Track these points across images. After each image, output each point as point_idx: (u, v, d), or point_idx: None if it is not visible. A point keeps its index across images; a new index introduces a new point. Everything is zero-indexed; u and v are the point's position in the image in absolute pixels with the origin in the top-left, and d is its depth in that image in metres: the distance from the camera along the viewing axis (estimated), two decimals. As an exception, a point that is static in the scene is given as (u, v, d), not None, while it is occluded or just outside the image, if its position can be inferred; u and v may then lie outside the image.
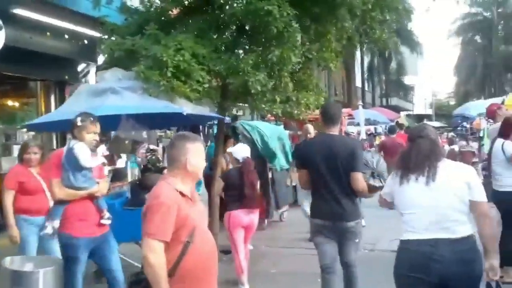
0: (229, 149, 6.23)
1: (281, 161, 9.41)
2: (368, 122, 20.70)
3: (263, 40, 6.15)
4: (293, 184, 11.46)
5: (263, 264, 6.89)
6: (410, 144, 3.28)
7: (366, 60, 45.39)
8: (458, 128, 18.53)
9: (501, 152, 5.34)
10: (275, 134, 9.46)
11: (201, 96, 5.85)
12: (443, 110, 59.40)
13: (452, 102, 66.01)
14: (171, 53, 5.29)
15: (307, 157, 4.30)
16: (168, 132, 12.28)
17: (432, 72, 72.67)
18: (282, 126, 11.27)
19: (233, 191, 5.60)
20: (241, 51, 6.31)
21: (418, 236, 3.06)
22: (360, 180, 4.12)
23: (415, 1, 20.83)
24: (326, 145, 4.21)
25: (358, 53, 38.77)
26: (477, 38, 52.39)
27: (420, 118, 39.15)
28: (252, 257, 6.24)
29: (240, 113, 9.60)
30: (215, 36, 6.10)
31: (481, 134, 13.74)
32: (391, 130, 12.32)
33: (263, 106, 6.12)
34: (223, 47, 6.07)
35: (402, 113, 41.32)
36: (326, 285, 4.29)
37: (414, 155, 3.15)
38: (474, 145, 15.24)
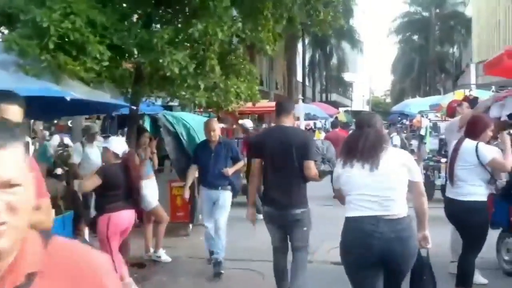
0: (104, 143, 5.02)
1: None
2: (308, 117, 20.01)
3: (186, 13, 4.96)
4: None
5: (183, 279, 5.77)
6: (358, 132, 3.46)
7: (308, 55, 45.38)
8: (398, 125, 18.18)
9: (472, 155, 4.48)
10: (204, 128, 8.29)
11: (101, 78, 4.59)
12: (380, 107, 60.67)
13: (388, 100, 67.60)
14: (56, 17, 3.99)
15: (262, 147, 4.46)
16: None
17: (371, 69, 73.99)
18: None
19: (115, 190, 4.64)
20: (158, 26, 5.06)
21: (361, 213, 3.28)
22: (312, 168, 4.30)
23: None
24: (279, 135, 4.38)
25: (300, 47, 38.62)
26: (415, 37, 53.47)
27: (357, 114, 39.30)
28: (170, 269, 5.95)
29: (175, 102, 8.36)
30: (124, 5, 4.82)
31: (422, 132, 13.30)
32: (333, 125, 13.21)
33: (183, 93, 4.94)
34: (134, 19, 4.82)
35: (341, 109, 41.44)
36: (276, 263, 4.53)
37: (361, 144, 3.31)
38: (414, 143, 14.90)
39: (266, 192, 4.48)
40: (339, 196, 3.58)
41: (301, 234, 4.39)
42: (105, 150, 4.74)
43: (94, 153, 7.87)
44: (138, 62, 4.71)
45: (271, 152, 4.35)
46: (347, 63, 50.74)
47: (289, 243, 4.47)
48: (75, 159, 7.73)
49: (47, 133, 11.45)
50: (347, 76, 57.46)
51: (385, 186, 3.26)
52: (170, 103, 6.46)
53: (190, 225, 7.85)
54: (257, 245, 6.37)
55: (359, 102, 66.67)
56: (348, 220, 3.37)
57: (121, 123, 11.47)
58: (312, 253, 6.77)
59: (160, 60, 4.57)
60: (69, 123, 15.19)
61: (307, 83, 43.93)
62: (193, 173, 6.13)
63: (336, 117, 21.85)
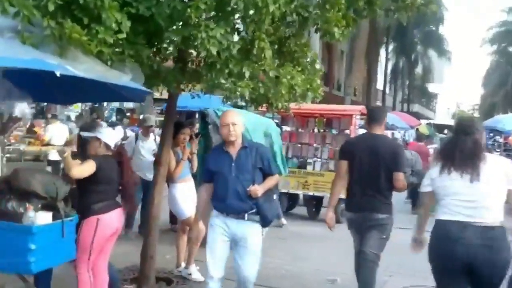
0: (93, 133, 4.00)
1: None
2: (386, 126, 18.37)
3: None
4: (284, 190, 9.40)
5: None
6: (454, 139, 3.51)
7: (391, 62, 43.24)
8: (489, 143, 16.28)
9: None
10: (260, 128, 7.26)
11: (124, 55, 3.71)
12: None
13: (476, 115, 63.31)
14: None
15: (351, 152, 4.52)
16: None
17: (458, 81, 69.75)
18: (272, 120, 9.04)
19: (107, 185, 3.88)
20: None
21: (450, 217, 3.35)
22: (401, 180, 4.33)
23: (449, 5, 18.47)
24: (370, 144, 4.45)
25: (383, 53, 36.77)
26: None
27: (440, 128, 36.83)
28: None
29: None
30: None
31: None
32: (418, 137, 12.89)
33: (223, 81, 3.95)
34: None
35: (423, 121, 39.00)
36: (358, 267, 4.50)
37: (458, 153, 3.38)
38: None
39: (351, 197, 4.53)
40: (425, 203, 3.65)
41: (377, 241, 4.40)
42: (94, 140, 3.89)
43: (147, 148, 7.13)
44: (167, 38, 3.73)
45: (360, 159, 4.41)
46: (433, 73, 47.80)
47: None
48: (128, 149, 7.02)
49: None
50: (431, 87, 54.41)
51: (482, 194, 3.29)
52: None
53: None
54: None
55: (443, 115, 63.09)
56: (437, 223, 3.45)
57: (188, 118, 10.77)
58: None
59: (194, 35, 3.60)
60: (141, 117, 14.74)
61: (387, 91, 41.81)
62: (205, 198, 4.18)
63: (417, 129, 20.29)
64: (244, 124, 6.69)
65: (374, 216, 4.37)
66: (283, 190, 9.53)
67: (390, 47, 40.97)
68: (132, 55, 3.78)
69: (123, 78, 3.62)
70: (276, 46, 4.52)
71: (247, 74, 3.96)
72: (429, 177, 3.55)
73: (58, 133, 9.33)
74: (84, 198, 3.78)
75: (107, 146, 3.92)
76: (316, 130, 10.14)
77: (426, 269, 3.74)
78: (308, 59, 4.60)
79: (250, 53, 4.05)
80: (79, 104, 24.07)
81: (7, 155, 8.32)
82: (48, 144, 9.19)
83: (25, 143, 9.45)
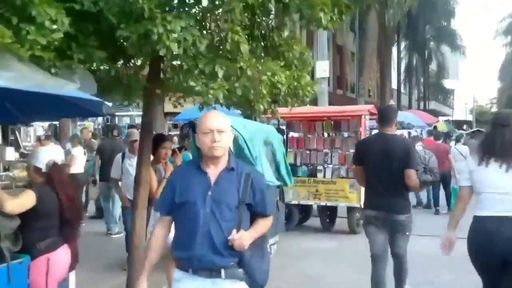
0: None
1: (266, 175, 6.55)
2: (401, 125, 17.58)
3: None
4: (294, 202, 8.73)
5: None
6: (493, 131, 3.58)
7: (404, 61, 42.35)
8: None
9: None
10: (259, 136, 6.62)
11: (71, 61, 3.13)
12: (485, 117, 55.69)
13: (495, 109, 61.70)
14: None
15: (365, 154, 4.56)
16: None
17: (474, 76, 68.26)
18: (273, 127, 8.39)
19: (50, 220, 3.26)
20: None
21: (488, 213, 3.43)
22: (413, 177, 4.34)
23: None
24: (381, 143, 4.48)
25: (395, 52, 35.91)
26: (527, 38, 48.01)
27: (459, 124, 35.77)
28: None
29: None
30: None
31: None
32: (437, 136, 12.28)
33: (192, 84, 3.33)
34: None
35: (441, 118, 37.95)
36: (374, 272, 4.53)
37: (498, 143, 3.47)
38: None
39: (369, 197, 4.59)
40: (463, 197, 3.66)
41: (402, 240, 4.50)
42: (28, 166, 3.32)
43: (135, 166, 6.52)
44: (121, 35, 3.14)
45: (373, 159, 4.46)
46: (448, 69, 46.71)
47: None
48: (113, 173, 6.44)
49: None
50: (447, 83, 53.15)
51: None
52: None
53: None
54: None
55: (461, 111, 61.66)
56: (476, 219, 3.52)
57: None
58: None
59: (152, 32, 3.00)
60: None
61: (402, 90, 40.86)
62: (161, 241, 2.75)
63: (435, 127, 19.42)
64: (234, 133, 6.11)
65: (394, 217, 4.42)
66: (294, 202, 8.87)
67: (402, 45, 40.09)
68: (82, 60, 3.19)
69: (68, 86, 3.02)
70: (262, 43, 3.92)
71: (220, 74, 3.33)
72: (467, 171, 3.61)
73: (52, 155, 8.77)
74: (29, 237, 3.17)
75: (37, 170, 3.33)
76: (325, 134, 9.48)
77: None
78: (296, 53, 3.93)
79: (224, 49, 3.41)
80: (91, 123, 23.85)
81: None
82: (39, 169, 8.67)
83: (18, 168, 8.94)
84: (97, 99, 3.18)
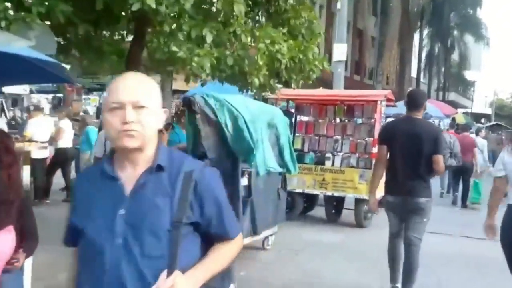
0: None
1: (267, 160, 6.01)
2: (419, 115, 16.84)
3: None
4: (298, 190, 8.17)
5: None
6: None
7: (426, 49, 41.16)
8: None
9: None
10: (262, 118, 6.05)
11: (31, 15, 2.58)
12: (505, 111, 54.28)
13: (516, 103, 60.18)
14: None
15: (390, 136, 4.60)
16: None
17: (497, 68, 66.61)
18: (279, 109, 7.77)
19: None
20: None
21: None
22: (441, 162, 4.40)
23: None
24: (409, 127, 4.49)
25: (416, 39, 34.79)
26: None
27: (477, 117, 34.83)
28: None
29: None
30: None
31: None
32: (464, 128, 12.03)
33: (174, 49, 2.76)
34: None
35: (460, 110, 36.91)
36: (393, 248, 4.63)
37: None
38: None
39: (391, 179, 4.56)
40: (497, 188, 3.82)
41: (419, 225, 4.49)
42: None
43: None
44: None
45: (400, 142, 4.47)
46: (470, 59, 45.34)
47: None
48: (96, 151, 5.97)
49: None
50: (468, 74, 51.73)
51: None
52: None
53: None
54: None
55: (480, 103, 60.18)
56: (509, 207, 3.69)
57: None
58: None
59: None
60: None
61: (422, 79, 39.78)
62: None
63: (453, 118, 18.79)
64: (235, 113, 5.53)
65: (415, 200, 4.41)
66: (298, 190, 8.31)
67: (425, 32, 38.89)
68: (42, 14, 2.63)
69: (18, 43, 2.45)
70: (264, 7, 3.33)
71: (209, 39, 2.78)
72: (502, 161, 3.72)
73: (41, 127, 8.33)
74: None
75: None
76: (336, 119, 8.87)
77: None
78: (303, 21, 3.33)
79: (215, 10, 2.83)
80: (97, 98, 23.41)
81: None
82: (30, 141, 8.20)
83: None
84: (53, 60, 2.61)
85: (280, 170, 6.37)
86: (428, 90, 41.20)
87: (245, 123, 5.49)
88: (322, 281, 5.42)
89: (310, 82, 3.53)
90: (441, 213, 9.61)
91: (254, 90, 3.72)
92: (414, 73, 35.37)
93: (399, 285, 4.65)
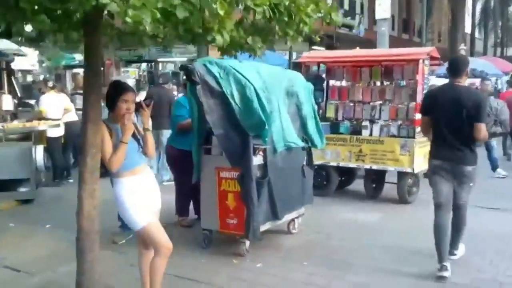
0: None
1: (286, 135, 5.18)
2: (473, 73, 15.31)
3: None
4: (333, 163, 7.30)
5: None
6: None
7: (480, 2, 38.32)
8: None
9: None
10: (279, 85, 5.20)
11: None
12: None
13: None
14: None
15: (435, 104, 4.52)
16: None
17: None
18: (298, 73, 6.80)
19: None
20: None
21: None
22: (482, 130, 4.34)
23: None
24: (452, 94, 4.44)
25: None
26: None
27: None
28: None
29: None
30: None
31: None
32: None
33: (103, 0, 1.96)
34: None
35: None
36: (438, 218, 4.52)
37: None
38: None
39: (436, 147, 4.57)
40: None
41: (466, 191, 4.53)
42: None
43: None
44: None
45: (442, 110, 4.43)
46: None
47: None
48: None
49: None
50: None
51: None
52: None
53: (246, 243, 4.94)
54: None
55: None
56: None
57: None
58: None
59: None
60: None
61: (476, 35, 37.14)
62: None
63: (512, 76, 17.08)
64: (242, 81, 4.69)
65: (461, 168, 4.42)
66: (332, 163, 7.46)
67: (479, -16, 36.12)
68: None
69: None
70: None
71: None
72: None
73: (54, 104, 7.83)
74: None
75: None
76: (373, 83, 7.87)
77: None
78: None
79: None
80: (135, 70, 23.13)
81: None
82: (43, 119, 7.73)
83: (7, 120, 8.02)
84: None
85: (303, 144, 5.53)
86: (484, 46, 38.50)
87: (255, 92, 4.67)
88: (354, 270, 4.59)
89: (301, 39, 2.66)
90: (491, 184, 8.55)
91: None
92: (468, 29, 32.89)
93: (447, 264, 4.39)
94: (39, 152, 7.27)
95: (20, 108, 8.38)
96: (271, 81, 5.06)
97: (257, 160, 4.89)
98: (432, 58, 7.19)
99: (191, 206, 6.02)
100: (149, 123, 3.65)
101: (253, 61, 5.43)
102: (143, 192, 3.53)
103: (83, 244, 3.38)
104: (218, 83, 4.64)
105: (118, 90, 3.48)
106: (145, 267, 3.71)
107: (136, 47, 21.16)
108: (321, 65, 8.45)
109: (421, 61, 6.87)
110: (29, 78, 16.07)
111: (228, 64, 4.74)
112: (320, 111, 7.98)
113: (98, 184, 3.35)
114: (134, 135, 3.56)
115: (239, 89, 4.66)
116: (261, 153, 4.95)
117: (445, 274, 4.33)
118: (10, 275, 4.40)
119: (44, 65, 19.68)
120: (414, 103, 7.06)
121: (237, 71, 4.71)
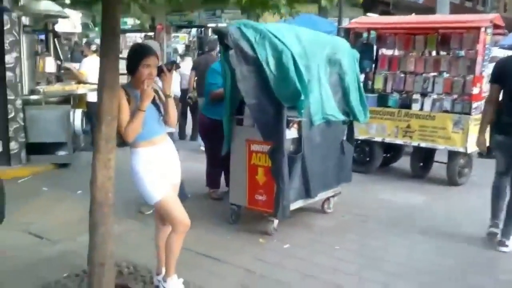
0: None
1: (326, 107, 4.78)
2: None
3: None
4: (377, 139, 6.86)
5: None
6: None
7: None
8: None
9: None
10: (320, 53, 4.78)
11: None
12: None
13: None
14: None
15: (502, 74, 4.47)
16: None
17: None
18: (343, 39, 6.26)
19: None
20: None
21: None
22: None
23: None
24: None
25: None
26: None
27: None
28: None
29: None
30: None
31: None
32: None
33: None
34: None
35: None
36: (499, 184, 4.60)
37: None
38: None
39: (500, 121, 4.48)
40: None
41: None
42: None
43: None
44: None
45: (510, 80, 4.37)
46: None
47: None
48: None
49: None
50: None
51: None
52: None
53: (275, 221, 4.63)
54: None
55: None
56: None
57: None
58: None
59: None
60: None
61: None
62: None
63: None
64: (279, 46, 4.29)
65: None
66: (377, 139, 6.99)
67: None
68: None
69: None
70: None
71: None
72: None
73: (96, 68, 7.64)
74: None
75: None
76: (427, 52, 7.26)
77: None
78: None
79: None
80: (186, 35, 22.97)
81: (26, 97, 6.91)
82: (83, 82, 7.61)
83: (50, 82, 7.93)
84: None
85: (344, 118, 5.11)
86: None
87: (293, 59, 4.27)
88: (388, 258, 4.21)
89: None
90: None
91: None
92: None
93: (499, 221, 4.54)
94: (77, 116, 7.19)
95: (62, 71, 8.30)
96: (311, 47, 4.64)
97: (290, 133, 4.53)
98: (495, 26, 6.49)
99: (222, 178, 5.77)
100: (171, 89, 3.35)
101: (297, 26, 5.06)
102: (161, 164, 3.28)
103: (95, 216, 3.19)
104: (252, 48, 4.27)
105: (139, 53, 3.18)
106: (162, 243, 3.49)
107: (186, 12, 20.97)
108: (372, 32, 7.87)
109: (483, 29, 6.19)
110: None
111: (264, 27, 4.35)
112: (369, 82, 7.50)
113: (113, 154, 3.11)
114: (154, 102, 3.28)
115: (275, 55, 4.28)
116: (295, 126, 4.59)
117: (496, 230, 4.53)
118: (31, 242, 4.30)
119: (90, 27, 19.74)
120: (472, 76, 6.44)
121: (274, 35, 4.32)
